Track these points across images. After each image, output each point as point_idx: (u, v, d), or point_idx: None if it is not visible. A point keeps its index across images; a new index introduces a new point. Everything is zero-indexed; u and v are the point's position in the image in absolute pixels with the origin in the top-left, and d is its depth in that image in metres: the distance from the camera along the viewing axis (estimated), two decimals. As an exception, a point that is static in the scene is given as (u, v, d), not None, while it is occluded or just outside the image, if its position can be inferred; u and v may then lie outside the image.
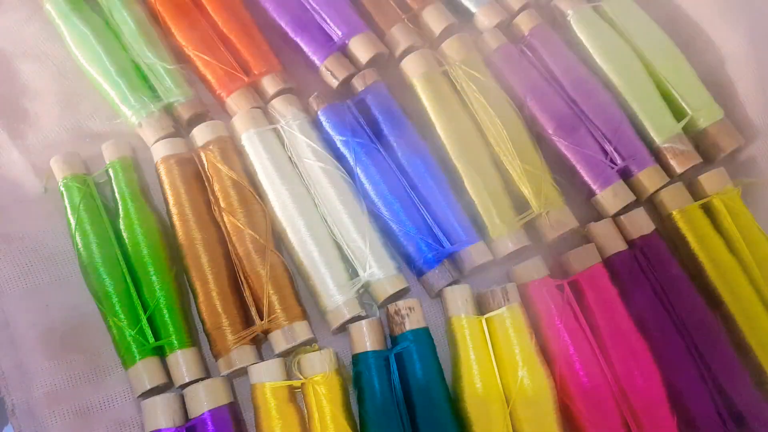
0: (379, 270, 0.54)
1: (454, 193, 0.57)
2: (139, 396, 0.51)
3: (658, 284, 0.55)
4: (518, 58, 0.61)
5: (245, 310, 0.53)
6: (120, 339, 0.52)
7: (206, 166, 0.56)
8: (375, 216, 0.56)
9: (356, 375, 0.51)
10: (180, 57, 0.61)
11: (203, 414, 0.49)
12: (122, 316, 0.52)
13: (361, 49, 0.60)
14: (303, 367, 0.50)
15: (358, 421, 0.51)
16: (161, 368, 0.52)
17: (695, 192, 0.58)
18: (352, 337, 0.52)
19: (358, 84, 0.59)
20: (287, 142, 0.57)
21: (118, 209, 0.55)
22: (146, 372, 0.51)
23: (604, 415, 0.51)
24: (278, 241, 0.56)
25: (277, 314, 0.52)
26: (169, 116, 0.58)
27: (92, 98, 0.61)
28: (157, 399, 0.49)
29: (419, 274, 0.56)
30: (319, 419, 0.49)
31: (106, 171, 0.57)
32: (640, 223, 0.56)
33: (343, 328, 0.54)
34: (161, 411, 0.49)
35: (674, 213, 0.57)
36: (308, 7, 0.62)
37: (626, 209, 0.57)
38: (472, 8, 0.64)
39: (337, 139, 0.57)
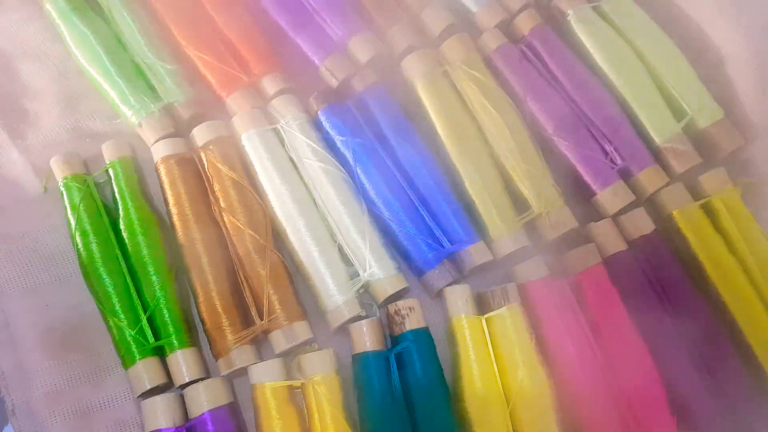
0: (379, 270, 0.54)
1: (454, 193, 0.57)
2: (139, 396, 0.51)
3: (658, 284, 0.55)
4: (518, 58, 0.61)
5: (245, 310, 0.53)
6: (120, 339, 0.52)
7: (206, 166, 0.56)
8: (375, 216, 0.56)
9: (356, 375, 0.51)
10: (180, 57, 0.61)
11: (203, 414, 0.49)
12: (122, 316, 0.52)
13: (361, 49, 0.60)
14: (303, 367, 0.50)
15: (358, 421, 0.51)
16: (161, 368, 0.52)
17: (695, 192, 0.58)
18: (352, 337, 0.52)
19: (358, 84, 0.59)
20: (287, 142, 0.57)
21: (118, 209, 0.55)
22: (146, 372, 0.51)
23: (604, 415, 0.51)
24: (278, 241, 0.56)
25: (277, 314, 0.52)
26: (169, 116, 0.58)
27: (92, 98, 0.61)
28: (157, 399, 0.49)
29: (419, 274, 0.56)
30: (319, 419, 0.49)
31: (106, 171, 0.57)
32: (640, 223, 0.56)
33: (343, 328, 0.54)
34: (161, 411, 0.49)
35: (674, 213, 0.57)
36: (308, 7, 0.62)
37: (626, 209, 0.57)
38: (472, 8, 0.64)
39: (337, 139, 0.57)
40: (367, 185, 0.56)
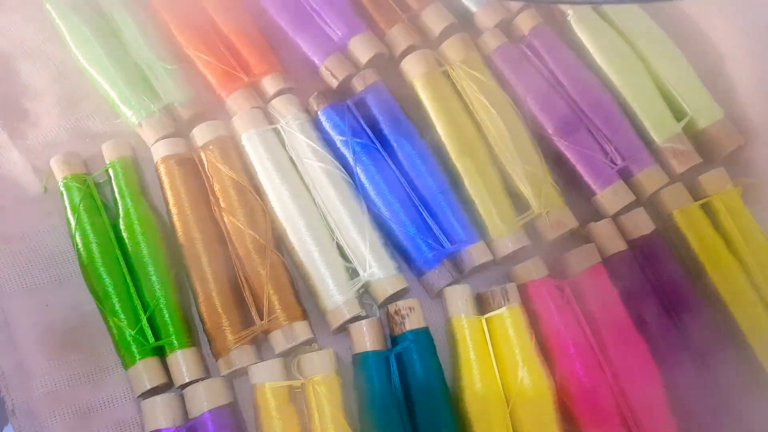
0: (379, 270, 0.54)
1: (454, 193, 0.57)
2: (139, 396, 0.51)
3: (658, 284, 0.55)
4: (518, 58, 0.61)
5: (245, 310, 0.53)
6: (120, 339, 0.52)
7: (206, 166, 0.56)
8: (375, 216, 0.56)
9: (356, 375, 0.51)
10: (180, 57, 0.61)
11: (203, 414, 0.49)
12: (122, 316, 0.52)
13: (361, 49, 0.60)
14: (303, 367, 0.50)
15: (358, 421, 0.51)
16: (161, 368, 0.52)
17: (695, 192, 0.58)
18: (352, 337, 0.52)
19: (358, 84, 0.59)
20: (287, 142, 0.57)
21: (118, 209, 0.55)
22: (146, 372, 0.51)
23: (604, 415, 0.51)
24: (278, 241, 0.56)
25: (277, 314, 0.52)
26: (169, 116, 0.58)
27: (92, 98, 0.61)
28: (157, 399, 0.49)
29: (419, 274, 0.56)
30: (319, 419, 0.49)
31: (106, 171, 0.57)
32: (640, 223, 0.56)
33: (343, 328, 0.54)
34: (161, 411, 0.49)
35: (674, 213, 0.57)
36: (308, 7, 0.62)
37: (626, 209, 0.57)
38: (472, 8, 0.64)
39: (337, 139, 0.57)
40: (367, 185, 0.56)
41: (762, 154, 0.60)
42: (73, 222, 0.54)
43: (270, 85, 0.60)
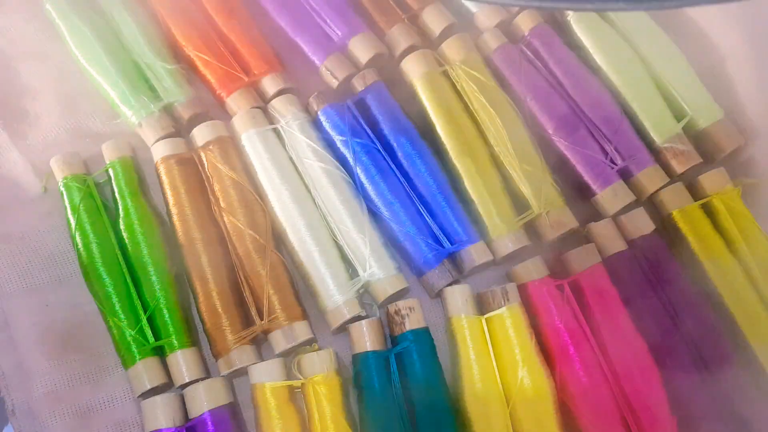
0: (379, 270, 0.54)
1: (454, 193, 0.57)
2: (139, 396, 0.51)
3: (658, 284, 0.55)
4: (518, 58, 0.61)
5: (245, 310, 0.53)
6: (120, 339, 0.52)
7: (206, 166, 0.56)
8: (375, 216, 0.56)
9: (356, 375, 0.51)
10: (180, 57, 0.61)
11: (203, 414, 0.49)
12: (122, 316, 0.52)
13: (361, 49, 0.60)
14: (303, 367, 0.50)
15: (358, 421, 0.51)
16: (161, 368, 0.52)
17: (695, 192, 0.59)
18: (352, 337, 0.52)
19: (358, 84, 0.59)
20: (287, 142, 0.57)
21: (118, 209, 0.55)
22: (146, 372, 0.51)
23: (604, 415, 0.51)
24: (278, 241, 0.56)
25: (277, 314, 0.52)
26: (169, 116, 0.58)
27: (92, 98, 0.61)
28: (157, 399, 0.49)
29: (419, 274, 0.56)
30: (319, 419, 0.49)
31: (106, 171, 0.57)
32: (640, 223, 0.56)
33: (343, 328, 0.54)
34: (161, 411, 0.49)
35: (674, 213, 0.57)
36: (308, 7, 0.62)
37: (626, 209, 0.57)
38: (472, 8, 0.64)
39: (337, 139, 0.57)
40: (367, 185, 0.56)
41: (762, 154, 0.60)
42: (73, 222, 0.54)
43: (270, 85, 0.60)
